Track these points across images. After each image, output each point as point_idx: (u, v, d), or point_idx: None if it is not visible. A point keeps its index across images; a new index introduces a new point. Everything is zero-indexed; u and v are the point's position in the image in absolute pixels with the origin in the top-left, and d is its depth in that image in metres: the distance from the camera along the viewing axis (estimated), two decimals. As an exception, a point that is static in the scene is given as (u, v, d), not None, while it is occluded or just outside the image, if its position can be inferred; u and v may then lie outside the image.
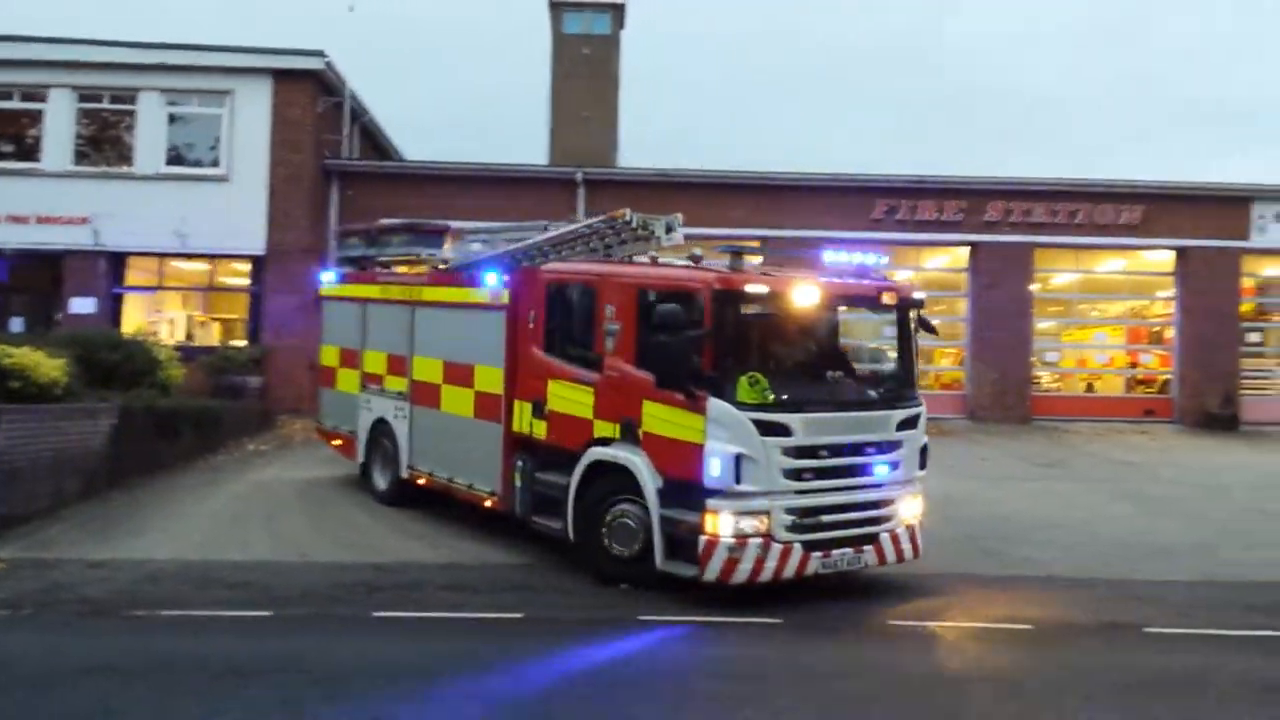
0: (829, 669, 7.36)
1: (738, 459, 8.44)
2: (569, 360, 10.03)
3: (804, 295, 8.95)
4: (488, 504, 10.88)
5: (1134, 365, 25.53)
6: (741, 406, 8.51)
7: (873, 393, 9.61)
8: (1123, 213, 24.04)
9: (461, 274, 12.02)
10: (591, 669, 7.17)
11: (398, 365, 12.51)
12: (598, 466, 9.44)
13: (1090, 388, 25.34)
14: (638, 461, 9.09)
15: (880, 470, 9.13)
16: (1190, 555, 11.46)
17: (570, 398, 9.90)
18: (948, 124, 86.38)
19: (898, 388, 9.68)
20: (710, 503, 8.56)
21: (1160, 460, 18.84)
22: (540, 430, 10.23)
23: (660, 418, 9.00)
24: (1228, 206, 24.50)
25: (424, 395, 12.02)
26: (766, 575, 8.55)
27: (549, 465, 10.13)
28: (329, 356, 14.14)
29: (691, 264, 9.56)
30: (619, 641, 7.82)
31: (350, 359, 13.54)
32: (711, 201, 22.42)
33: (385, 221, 14.68)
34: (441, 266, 12.74)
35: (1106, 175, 26.47)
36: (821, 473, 8.81)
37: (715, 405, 8.59)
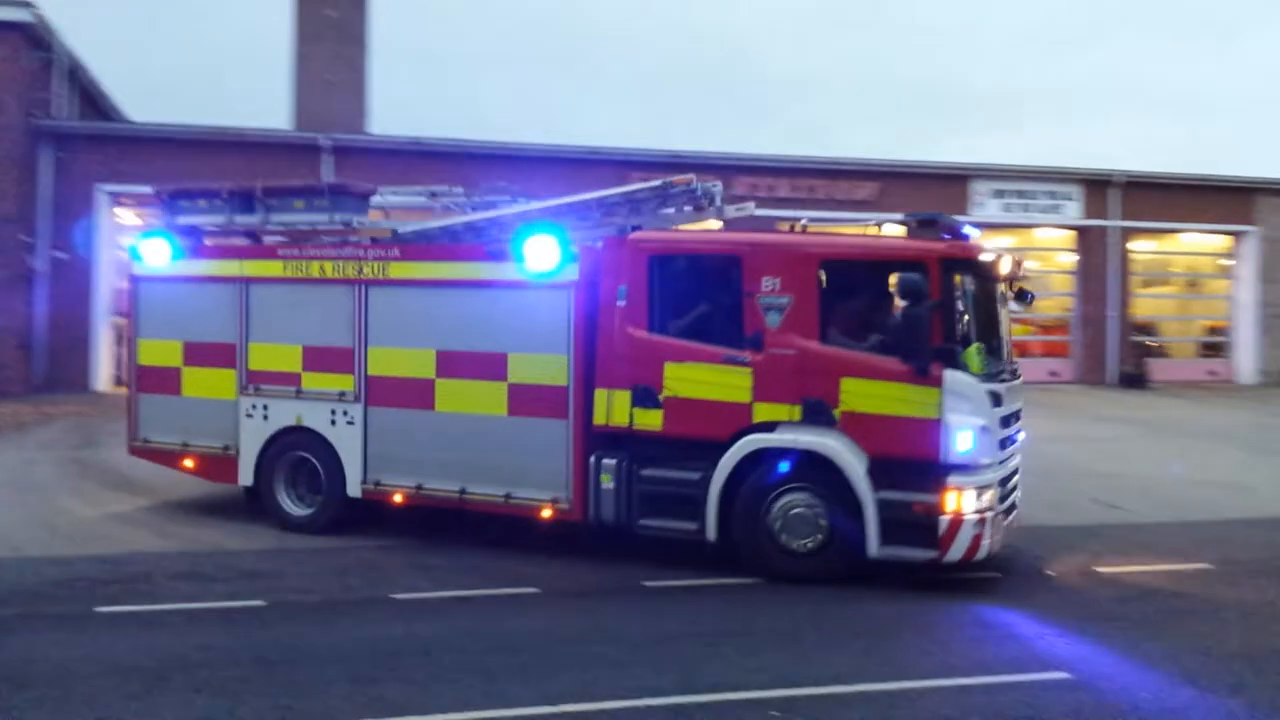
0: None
1: (983, 431, 8.19)
2: (697, 339, 9.02)
3: (1009, 264, 8.74)
4: (545, 514, 9.43)
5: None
6: (976, 378, 8.29)
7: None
8: (859, 189, 25.54)
9: (464, 245, 10.39)
10: (342, 649, 6.86)
11: (330, 359, 10.33)
12: (758, 455, 8.62)
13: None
14: (833, 444, 8.43)
15: (1021, 437, 9.32)
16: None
17: (708, 380, 8.87)
18: (698, 103, 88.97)
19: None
20: (952, 479, 8.14)
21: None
22: (649, 420, 9.05)
23: (870, 394, 8.42)
24: (950, 184, 26.74)
25: (393, 394, 10.09)
26: (989, 550, 8.28)
27: (663, 459, 9.01)
28: (159, 353, 11.15)
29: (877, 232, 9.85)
30: (375, 622, 7.55)
31: (212, 356, 10.84)
32: (464, 171, 21.98)
33: (283, 182, 11.67)
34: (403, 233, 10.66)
35: (844, 154, 28.03)
36: (1003, 443, 8.68)
37: (954, 377, 8.21)
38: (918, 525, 8.23)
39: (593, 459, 9.19)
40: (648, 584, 8.67)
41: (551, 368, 9.41)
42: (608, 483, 9.11)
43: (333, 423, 10.23)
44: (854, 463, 8.38)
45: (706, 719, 5.67)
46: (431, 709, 5.75)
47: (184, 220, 11.28)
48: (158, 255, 11.03)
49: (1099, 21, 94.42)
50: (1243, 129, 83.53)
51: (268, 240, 11.25)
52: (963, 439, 8.17)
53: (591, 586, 8.70)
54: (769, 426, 8.69)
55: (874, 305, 8.98)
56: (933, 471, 8.22)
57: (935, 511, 8.16)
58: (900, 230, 9.10)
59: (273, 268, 10.65)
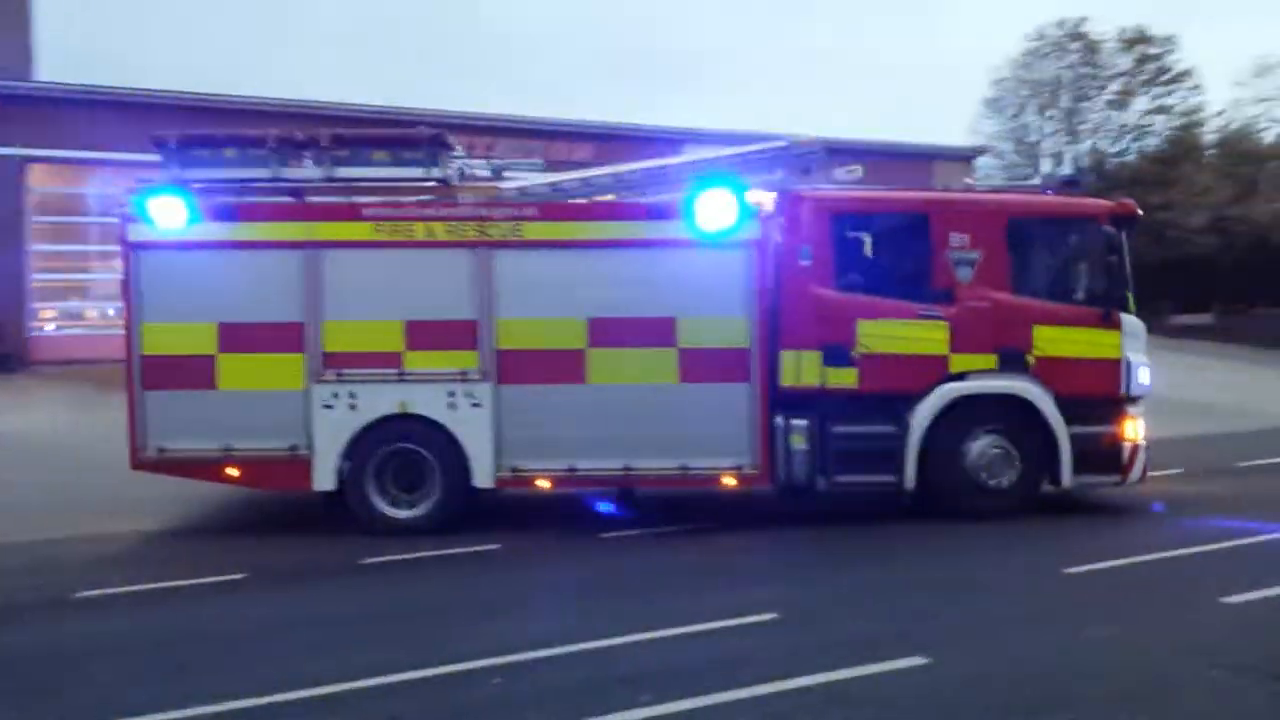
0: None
1: (1150, 367, 9.63)
2: (887, 296, 9.44)
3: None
4: (729, 481, 9.32)
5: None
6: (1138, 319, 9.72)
7: None
8: (576, 151, 25.59)
9: (620, 204, 9.84)
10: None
11: (445, 335, 9.18)
12: (964, 402, 9.35)
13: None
14: (1031, 388, 9.40)
15: None
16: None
17: (905, 335, 9.36)
18: (419, 58, 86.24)
19: None
20: (1130, 410, 9.60)
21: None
22: (843, 378, 9.35)
23: (1062, 339, 9.44)
24: (665, 147, 27.28)
25: (533, 369, 9.18)
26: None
27: (856, 416, 9.33)
28: (179, 339, 9.18)
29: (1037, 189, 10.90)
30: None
31: (266, 339, 9.17)
32: (141, 121, 20.16)
33: (361, 130, 9.87)
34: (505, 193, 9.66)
35: (563, 115, 27.94)
36: None
37: (1129, 320, 9.59)
38: (1103, 454, 9.51)
39: (779, 420, 9.26)
40: (365, 561, 8.35)
41: (730, 330, 9.18)
42: (800, 444, 9.25)
43: (451, 406, 9.12)
44: (1049, 403, 9.42)
45: (425, 692, 5.47)
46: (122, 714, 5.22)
47: (200, 175, 9.34)
48: (172, 217, 9.00)
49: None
50: (942, 96, 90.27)
51: (312, 199, 9.63)
52: (1142, 374, 9.65)
53: (305, 568, 8.28)
54: (961, 376, 9.43)
55: (1056, 258, 10.02)
56: (1112, 405, 9.56)
57: (1118, 440, 9.52)
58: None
59: (357, 230, 9.18)
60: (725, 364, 9.24)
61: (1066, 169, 41.60)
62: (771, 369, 9.34)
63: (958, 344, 9.43)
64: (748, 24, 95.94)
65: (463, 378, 9.16)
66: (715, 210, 9.09)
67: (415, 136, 9.59)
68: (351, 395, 9.11)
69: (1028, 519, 9.75)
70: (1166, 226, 35.36)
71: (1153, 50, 43.38)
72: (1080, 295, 9.74)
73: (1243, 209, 31.92)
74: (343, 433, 9.13)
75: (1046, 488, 9.79)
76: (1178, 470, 12.99)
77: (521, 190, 9.85)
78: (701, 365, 9.23)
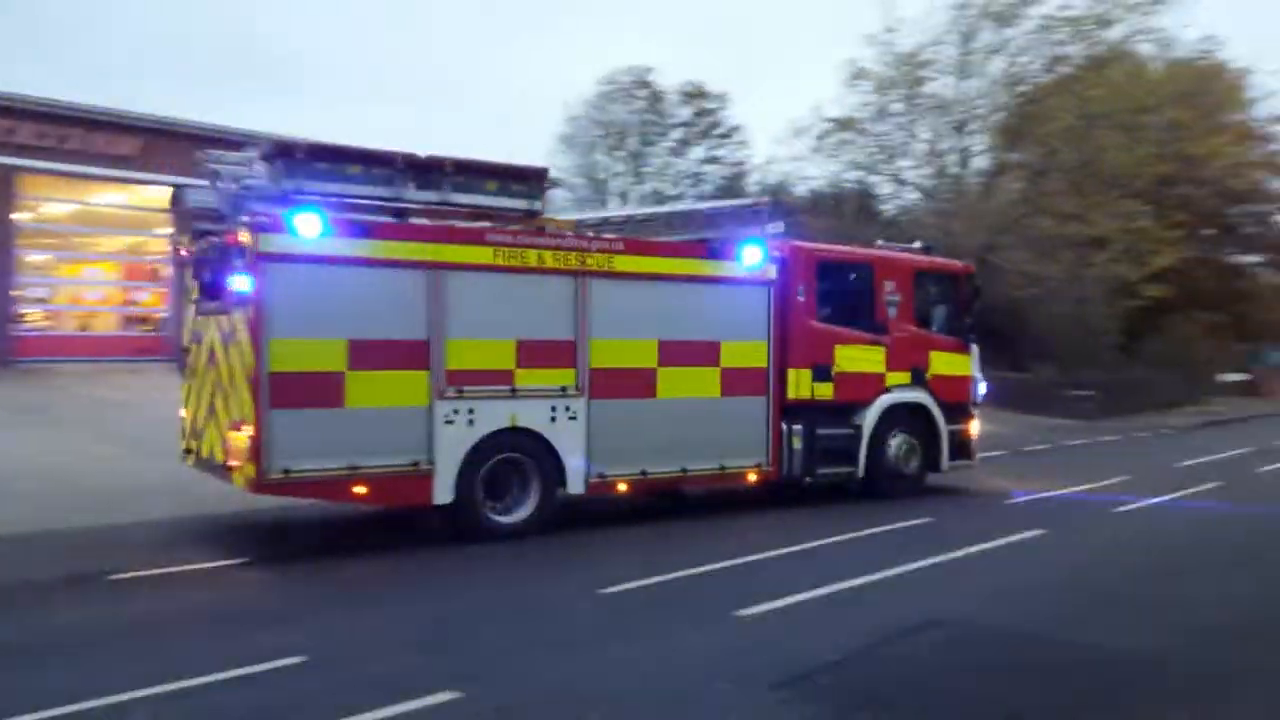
0: None
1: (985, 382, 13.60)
2: (848, 326, 12.20)
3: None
4: (752, 478, 11.45)
5: (130, 304, 24.88)
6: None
7: None
8: (119, 144, 23.01)
9: (676, 242, 11.69)
10: None
11: (548, 354, 10.07)
12: (893, 410, 12.40)
13: (85, 327, 24.00)
14: (928, 398, 12.71)
15: None
16: (170, 494, 11.40)
17: (862, 357, 12.22)
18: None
19: None
20: (974, 411, 13.43)
21: (148, 400, 18.40)
22: (824, 391, 11.92)
23: (943, 361, 12.91)
24: (220, 147, 25.28)
25: (615, 385, 10.40)
26: None
27: (828, 422, 11.91)
28: (308, 355, 8.84)
29: (915, 249, 13.76)
30: None
31: (392, 355, 9.23)
32: None
33: (458, 157, 9.98)
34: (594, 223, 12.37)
35: (107, 103, 24.90)
36: None
37: (973, 348, 13.37)
38: (964, 445, 13.25)
39: (784, 426, 11.62)
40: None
41: (756, 352, 11.40)
42: (798, 444, 11.68)
43: (553, 420, 10.00)
44: (937, 409, 12.85)
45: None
46: None
47: (317, 188, 9.18)
48: (308, 230, 8.79)
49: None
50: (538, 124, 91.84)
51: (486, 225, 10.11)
52: (981, 387, 13.49)
53: None
54: (889, 390, 12.47)
55: (937, 302, 13.36)
56: (964, 410, 13.25)
57: (969, 435, 13.32)
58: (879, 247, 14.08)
59: (480, 254, 9.70)
60: (751, 380, 11.42)
61: (632, 207, 44.46)
62: (781, 384, 11.67)
63: (890, 365, 12.55)
64: (358, 35, 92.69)
65: (562, 393, 10.12)
66: (754, 255, 11.30)
67: (524, 170, 10.58)
68: (470, 411, 9.58)
69: (565, 538, 10.11)
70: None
71: (709, 105, 47.71)
72: (949, 329, 13.29)
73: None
74: (461, 447, 9.53)
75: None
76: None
77: (604, 221, 12.32)
78: (736, 381, 11.28)
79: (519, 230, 10.18)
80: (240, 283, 8.82)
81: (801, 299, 11.91)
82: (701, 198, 46.75)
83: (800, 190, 38.83)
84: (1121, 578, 8.79)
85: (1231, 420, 32.21)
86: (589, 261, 10.29)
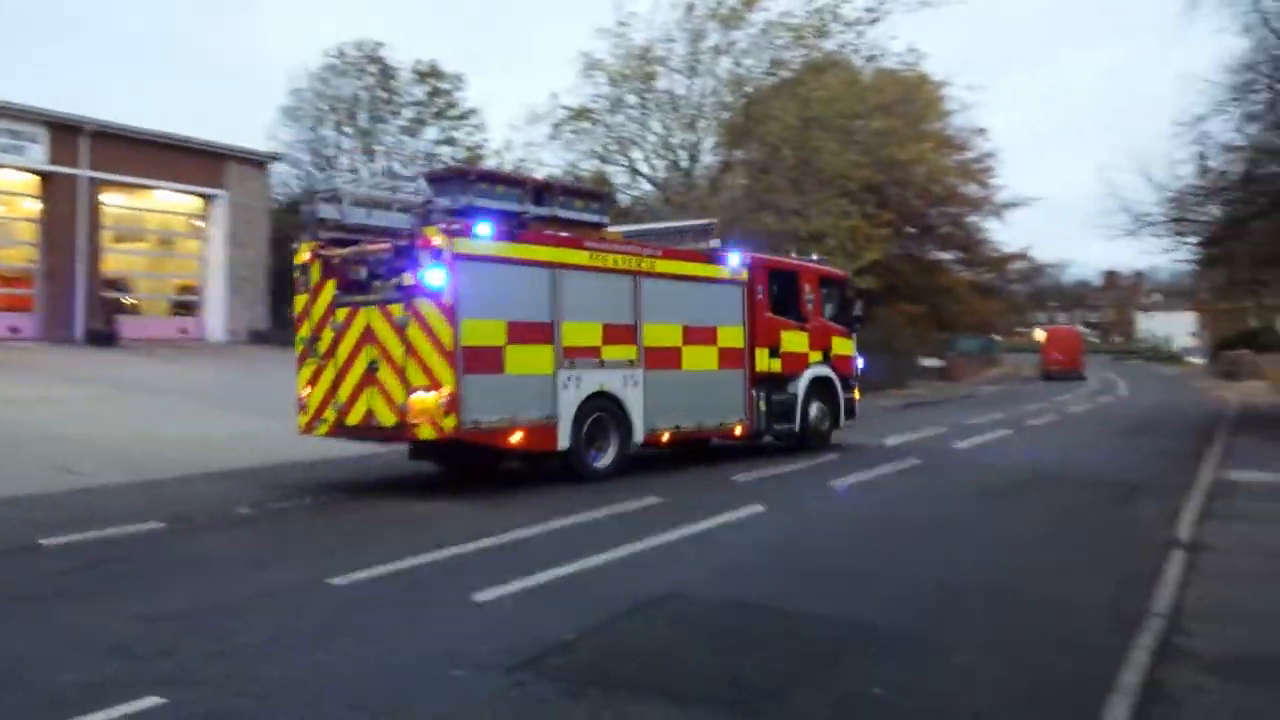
0: None
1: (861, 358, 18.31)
2: (788, 317, 16.35)
3: None
4: (738, 432, 15.22)
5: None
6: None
7: None
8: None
9: (691, 250, 15.05)
10: None
11: (620, 335, 13.24)
12: (814, 380, 16.62)
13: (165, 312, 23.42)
14: (833, 373, 17.10)
15: None
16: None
17: (797, 340, 16.41)
18: None
19: None
20: (855, 384, 18.00)
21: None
22: (775, 365, 15.92)
23: (840, 345, 17.43)
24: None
25: (661, 359, 13.75)
26: None
27: (777, 389, 15.96)
28: (483, 333, 11.59)
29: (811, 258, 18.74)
30: None
31: (532, 334, 12.15)
32: None
33: (552, 179, 16.72)
34: (612, 234, 14.72)
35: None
36: None
37: (854, 334, 18.06)
38: (851, 409, 17.71)
39: (753, 392, 15.33)
40: None
41: (737, 335, 15.10)
42: (762, 407, 15.49)
43: (624, 385, 13.13)
44: (838, 381, 17.13)
45: None
46: None
47: (474, 203, 12.11)
48: (480, 234, 11.58)
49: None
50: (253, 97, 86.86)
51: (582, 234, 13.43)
52: (859, 363, 17.94)
53: None
54: (809, 366, 16.44)
55: (831, 299, 17.56)
56: (850, 382, 17.54)
57: (855, 401, 17.80)
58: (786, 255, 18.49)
59: (580, 256, 12.80)
60: (735, 357, 15.13)
61: (365, 185, 42.95)
62: (751, 360, 15.44)
63: (811, 346, 16.73)
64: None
65: (630, 365, 13.32)
66: (736, 262, 15.32)
67: (598, 193, 15.26)
68: (578, 379, 12.56)
69: (313, 520, 9.60)
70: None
71: (444, 85, 46.80)
72: (840, 320, 17.64)
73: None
74: (572, 407, 12.42)
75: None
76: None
77: (630, 232, 16.01)
78: (727, 357, 14.96)
79: (599, 238, 13.68)
80: (434, 277, 11.28)
81: (760, 296, 15.82)
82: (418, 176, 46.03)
83: (537, 177, 38.89)
84: (836, 549, 9.35)
85: (930, 402, 35.19)
86: (642, 264, 13.73)
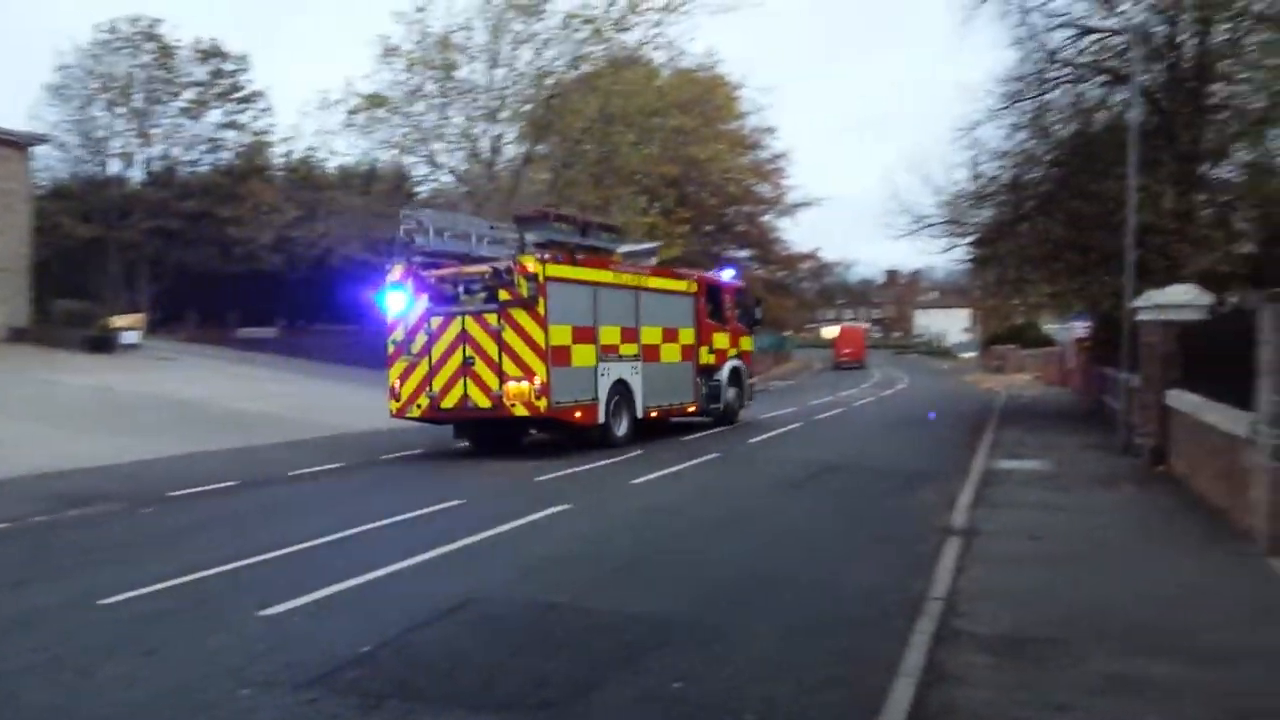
0: None
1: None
2: (716, 321, 21.34)
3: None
4: (690, 410, 20.24)
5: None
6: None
7: None
8: None
9: (667, 269, 21.70)
10: None
11: (629, 335, 18.01)
12: (732, 370, 21.71)
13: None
14: (741, 364, 22.26)
15: None
16: None
17: (721, 339, 21.39)
18: None
19: None
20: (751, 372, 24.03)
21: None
22: (709, 359, 20.78)
23: (745, 343, 22.84)
24: None
25: (650, 354, 18.63)
26: None
27: (709, 377, 20.88)
28: (561, 335, 16.11)
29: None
30: None
31: (585, 335, 16.71)
32: None
33: (594, 218, 20.47)
34: (617, 257, 19.24)
35: None
36: None
37: (753, 334, 24.36)
38: (749, 391, 23.23)
39: (698, 379, 20.41)
40: None
41: (691, 335, 20.12)
42: (703, 390, 20.55)
43: (632, 375, 17.91)
44: (745, 371, 22.51)
45: None
46: None
47: (541, 236, 16.83)
48: (563, 262, 16.52)
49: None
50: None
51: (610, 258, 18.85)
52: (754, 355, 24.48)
53: None
54: (728, 358, 21.42)
55: (738, 305, 22.59)
56: (750, 369, 23.21)
57: (753, 385, 23.80)
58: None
59: (609, 276, 17.75)
60: (690, 352, 19.96)
61: (138, 170, 40.57)
62: (696, 355, 20.20)
63: (730, 344, 21.67)
64: None
65: (635, 359, 17.98)
66: (692, 279, 20.87)
67: (615, 226, 20.93)
68: (608, 370, 17.19)
69: (73, 541, 8.86)
70: (235, 242, 36.43)
71: (227, 66, 44.46)
72: (744, 322, 22.74)
73: (305, 230, 34.30)
74: (605, 391, 17.09)
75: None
76: (233, 482, 13.16)
77: (626, 253, 20.21)
78: (685, 353, 19.81)
79: (618, 261, 18.70)
80: (530, 293, 15.46)
81: (702, 304, 20.85)
82: (219, 163, 43.74)
83: (330, 165, 37.55)
84: (637, 545, 9.43)
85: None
86: (640, 281, 18.64)
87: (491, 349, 15.73)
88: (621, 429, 17.65)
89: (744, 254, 60.08)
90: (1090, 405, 26.52)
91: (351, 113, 34.11)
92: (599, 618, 6.80)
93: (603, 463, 15.08)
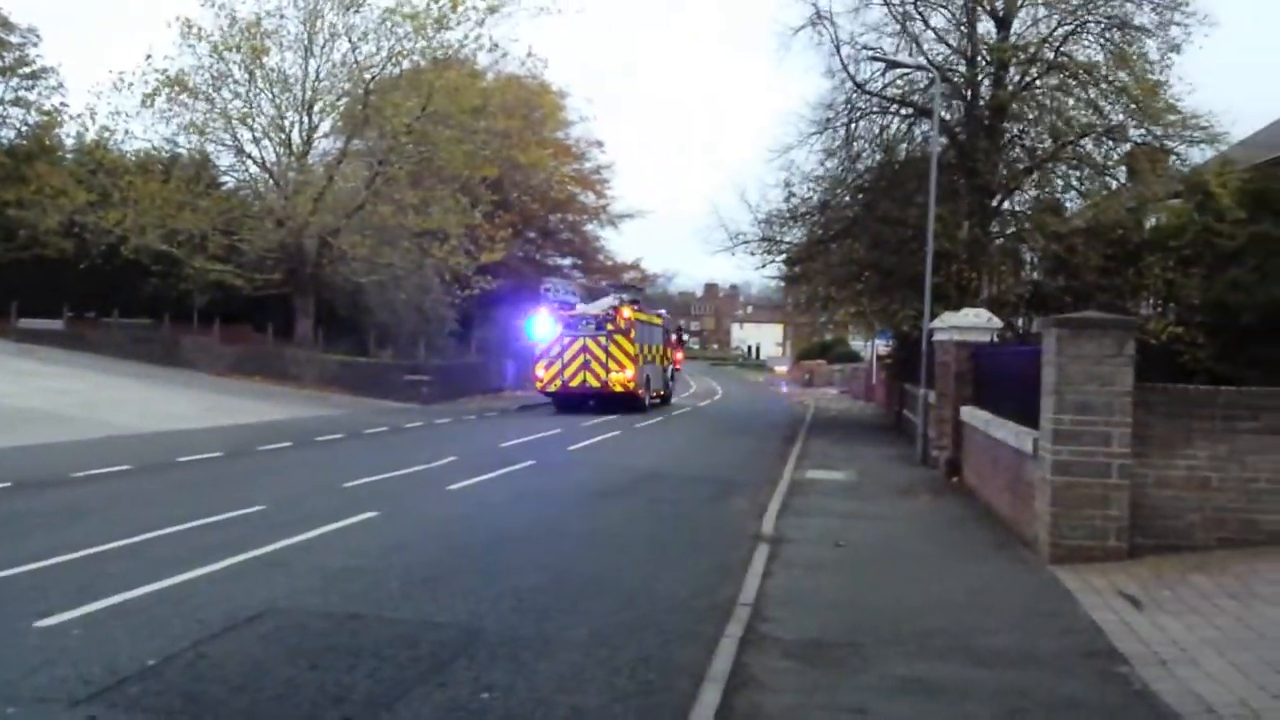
0: None
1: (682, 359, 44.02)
2: (666, 344, 36.51)
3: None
4: (662, 393, 35.15)
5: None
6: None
7: None
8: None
9: (656, 311, 38.04)
10: None
11: (649, 351, 32.03)
12: (673, 372, 38.79)
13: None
14: (675, 370, 39.35)
15: None
16: None
17: (671, 355, 37.64)
18: None
19: None
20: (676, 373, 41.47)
21: None
22: (665, 364, 35.98)
23: (678, 357, 40.26)
24: None
25: (650, 361, 32.20)
26: None
27: (669, 379, 37.47)
28: (636, 349, 30.29)
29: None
30: None
31: (645, 351, 31.32)
32: None
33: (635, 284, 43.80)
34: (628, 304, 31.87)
35: None
36: None
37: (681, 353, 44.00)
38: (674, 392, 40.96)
39: (665, 377, 36.76)
40: None
41: (662, 350, 35.47)
42: (667, 381, 37.25)
43: (650, 372, 32.42)
44: (675, 374, 40.48)
45: None
46: None
47: (615, 297, 32.53)
48: (637, 309, 32.35)
49: None
50: None
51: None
52: (680, 364, 42.16)
53: None
54: (672, 365, 38.42)
55: (674, 332, 40.24)
56: (675, 373, 40.42)
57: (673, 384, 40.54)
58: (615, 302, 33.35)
59: (646, 316, 33.43)
60: (663, 359, 35.62)
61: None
62: (666, 363, 36.36)
63: (675, 359, 38.70)
64: None
65: (650, 363, 32.65)
66: (669, 316, 42.18)
67: (641, 285, 52.46)
68: (644, 369, 31.25)
69: None
70: (19, 225, 33.78)
71: (13, 39, 41.24)
72: (678, 344, 40.24)
73: (98, 216, 32.15)
74: (643, 380, 31.20)
75: None
76: (7, 484, 12.17)
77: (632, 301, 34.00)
78: (664, 359, 35.83)
79: (638, 306, 33.03)
80: (626, 325, 30.20)
81: (665, 329, 36.28)
82: (1, 142, 40.51)
83: (128, 150, 35.35)
84: (448, 553, 9.23)
85: (546, 405, 36.10)
86: (650, 319, 34.05)
87: (601, 355, 29.84)
88: (647, 402, 31.67)
89: (567, 262, 60.54)
90: (892, 419, 27.86)
91: (149, 95, 32.24)
92: (405, 628, 6.61)
93: (419, 469, 14.73)
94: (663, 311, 40.72)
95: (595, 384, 29.53)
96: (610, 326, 29.72)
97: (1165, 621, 6.83)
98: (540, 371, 30.00)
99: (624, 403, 29.99)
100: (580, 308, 30.82)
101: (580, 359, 29.62)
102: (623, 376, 29.60)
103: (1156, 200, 21.34)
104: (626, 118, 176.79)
